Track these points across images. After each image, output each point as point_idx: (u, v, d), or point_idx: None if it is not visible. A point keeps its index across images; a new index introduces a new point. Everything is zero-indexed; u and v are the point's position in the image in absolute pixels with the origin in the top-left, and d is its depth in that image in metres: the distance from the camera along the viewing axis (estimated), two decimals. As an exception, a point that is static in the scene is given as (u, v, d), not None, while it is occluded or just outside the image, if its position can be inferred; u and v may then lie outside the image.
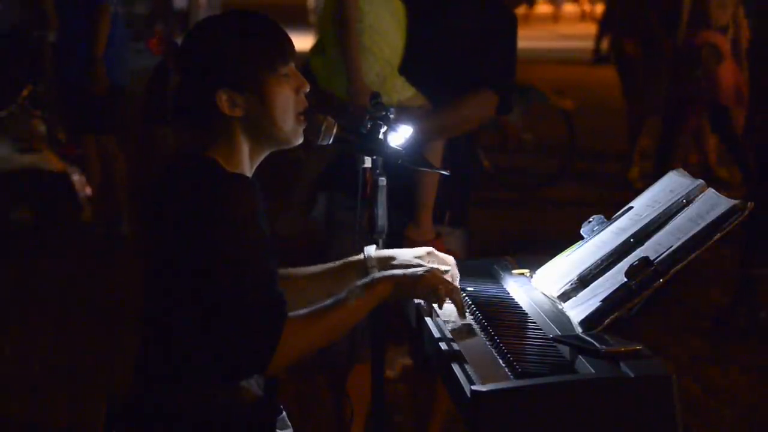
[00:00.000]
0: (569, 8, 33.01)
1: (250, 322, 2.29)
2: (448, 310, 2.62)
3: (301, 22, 18.62)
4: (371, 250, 2.72)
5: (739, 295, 6.02)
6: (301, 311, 2.40)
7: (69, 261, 7.28)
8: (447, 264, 2.74)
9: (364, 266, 2.69)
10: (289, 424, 2.59)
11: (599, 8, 31.34)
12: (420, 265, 2.63)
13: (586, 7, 31.05)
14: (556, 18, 31.04)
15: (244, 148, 2.44)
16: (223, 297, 2.29)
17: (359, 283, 2.49)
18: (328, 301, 2.44)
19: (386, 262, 2.69)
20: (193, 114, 2.44)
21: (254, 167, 2.49)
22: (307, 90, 2.48)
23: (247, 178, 2.40)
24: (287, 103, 2.44)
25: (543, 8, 32.61)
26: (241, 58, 2.39)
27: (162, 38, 2.29)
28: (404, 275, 2.51)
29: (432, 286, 2.52)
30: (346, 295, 2.45)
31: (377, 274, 2.52)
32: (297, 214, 7.89)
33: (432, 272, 2.54)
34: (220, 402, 2.38)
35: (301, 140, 2.50)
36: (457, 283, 2.70)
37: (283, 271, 2.66)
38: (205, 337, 2.33)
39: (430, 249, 2.76)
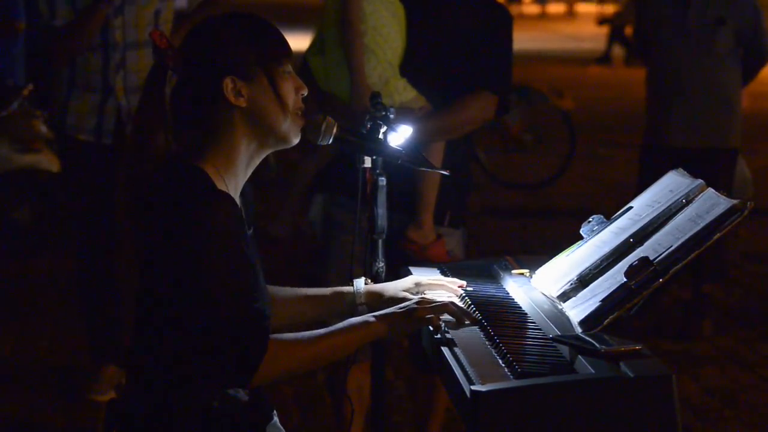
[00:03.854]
0: (554, 8, 33.12)
1: (235, 339, 2.32)
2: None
3: (301, 23, 18.62)
4: (361, 284, 2.74)
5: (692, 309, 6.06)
6: (292, 335, 2.44)
7: (69, 261, 7.28)
8: (437, 287, 2.77)
9: (352, 300, 2.72)
10: (282, 428, 2.59)
11: (583, 7, 31.47)
12: (407, 299, 2.67)
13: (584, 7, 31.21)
14: (543, 16, 31.15)
15: (242, 143, 2.44)
16: (205, 316, 2.31)
17: (355, 320, 2.51)
18: (320, 331, 2.47)
19: (374, 298, 2.73)
20: (195, 104, 2.44)
21: (249, 171, 2.50)
22: (305, 93, 2.50)
23: (231, 198, 2.40)
24: (290, 97, 2.46)
25: (530, 8, 32.72)
26: (248, 48, 2.42)
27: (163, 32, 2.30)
28: (396, 315, 2.53)
29: (423, 317, 2.53)
30: (339, 328, 2.48)
31: (374, 314, 2.53)
32: (293, 214, 7.89)
33: (420, 303, 2.56)
34: (207, 406, 2.40)
35: (298, 139, 2.51)
36: (456, 295, 2.75)
37: (272, 288, 2.68)
38: (190, 351, 2.35)
39: (417, 279, 2.79)
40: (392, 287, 2.76)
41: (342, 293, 2.73)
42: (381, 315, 2.52)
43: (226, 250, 2.32)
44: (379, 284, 2.80)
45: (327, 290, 2.75)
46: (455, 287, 2.80)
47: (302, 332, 2.46)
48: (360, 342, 2.49)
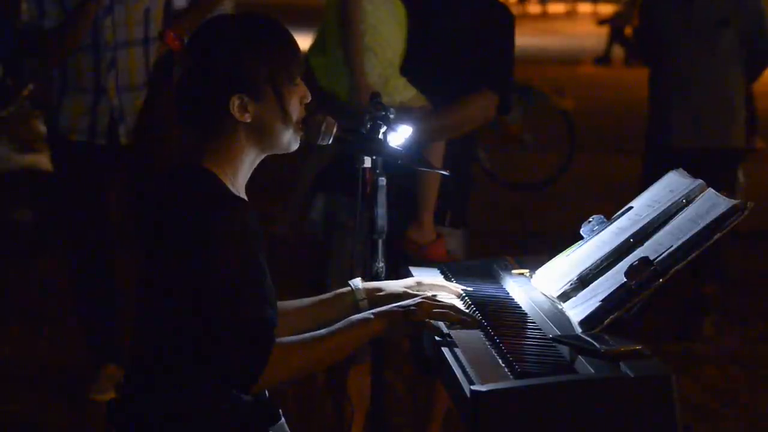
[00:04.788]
0: (554, 7, 33.19)
1: (239, 345, 2.32)
2: None
3: (302, 23, 18.62)
4: (358, 283, 2.73)
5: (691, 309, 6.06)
6: (293, 338, 2.43)
7: (69, 261, 7.27)
8: (437, 290, 2.76)
9: (354, 298, 2.71)
10: (288, 429, 2.59)
11: (583, 7, 31.50)
12: (409, 296, 2.65)
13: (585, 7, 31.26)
14: (543, 16, 31.19)
15: (244, 152, 2.45)
16: (212, 318, 2.31)
17: (355, 317, 2.50)
18: (321, 331, 2.46)
19: (374, 294, 2.72)
20: (198, 110, 2.43)
21: (251, 170, 2.51)
22: (309, 100, 2.50)
23: (247, 203, 2.40)
24: (295, 111, 2.47)
25: (532, 8, 32.78)
26: (262, 66, 2.40)
27: (176, 32, 2.28)
28: (396, 312, 2.51)
29: (421, 320, 2.51)
30: (340, 328, 2.47)
31: (374, 311, 2.52)
32: (295, 215, 7.89)
33: (422, 304, 2.53)
34: (209, 406, 2.39)
35: (296, 147, 2.51)
36: (455, 300, 2.73)
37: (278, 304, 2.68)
38: (195, 354, 2.36)
39: (419, 279, 2.79)
40: (393, 284, 2.76)
41: (343, 295, 2.73)
42: (380, 312, 2.51)
43: (243, 258, 2.33)
44: (378, 282, 2.80)
45: (328, 295, 2.75)
46: (457, 291, 2.79)
47: (304, 334, 2.46)
48: (361, 339, 2.48)
